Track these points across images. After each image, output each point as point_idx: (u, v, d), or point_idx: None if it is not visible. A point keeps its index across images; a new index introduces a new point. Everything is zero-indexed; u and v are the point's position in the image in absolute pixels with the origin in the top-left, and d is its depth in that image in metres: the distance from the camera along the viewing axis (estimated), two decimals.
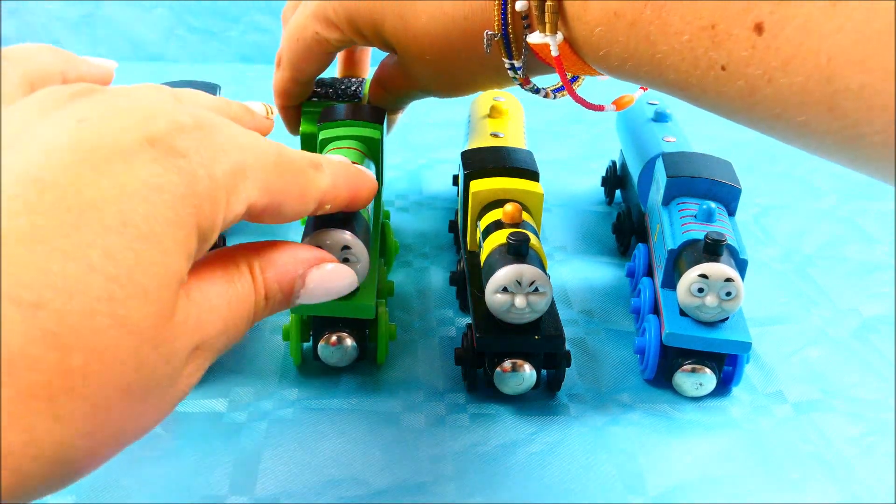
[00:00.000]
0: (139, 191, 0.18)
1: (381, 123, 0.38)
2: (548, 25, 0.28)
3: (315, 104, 0.41)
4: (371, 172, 0.29)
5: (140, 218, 0.18)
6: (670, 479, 0.30)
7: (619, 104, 0.34)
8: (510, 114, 0.45)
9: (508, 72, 0.32)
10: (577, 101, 0.31)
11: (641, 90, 0.35)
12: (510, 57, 0.31)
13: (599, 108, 0.33)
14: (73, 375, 0.17)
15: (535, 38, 0.29)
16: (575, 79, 0.34)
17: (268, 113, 0.34)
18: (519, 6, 0.29)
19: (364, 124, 0.38)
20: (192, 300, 0.20)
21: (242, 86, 0.68)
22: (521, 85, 0.33)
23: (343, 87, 0.42)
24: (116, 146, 0.19)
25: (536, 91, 0.33)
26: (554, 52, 0.28)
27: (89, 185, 0.18)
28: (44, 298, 0.16)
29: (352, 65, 0.45)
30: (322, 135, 0.38)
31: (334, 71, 0.46)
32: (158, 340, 0.19)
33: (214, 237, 0.21)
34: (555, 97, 0.34)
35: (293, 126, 0.42)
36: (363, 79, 0.44)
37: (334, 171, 0.26)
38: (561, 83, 0.31)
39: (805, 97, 0.21)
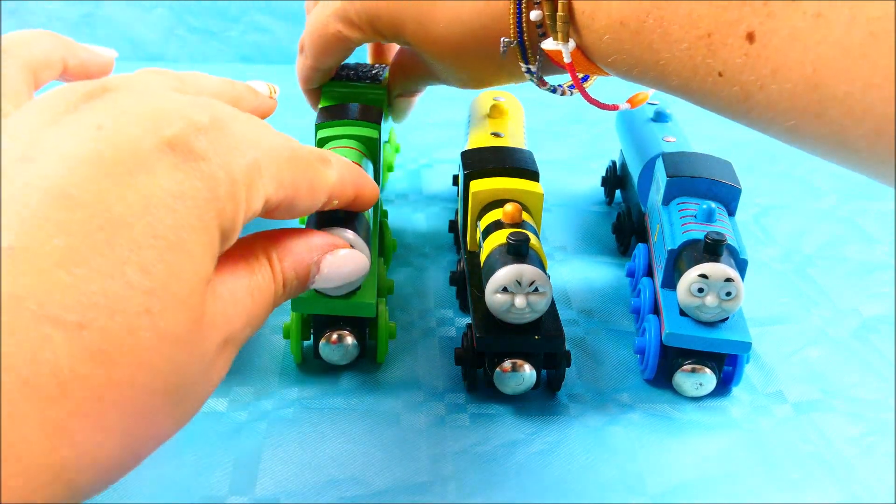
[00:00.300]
0: (164, 201, 0.19)
1: (379, 123, 0.38)
2: (559, 34, 0.29)
3: (337, 84, 0.42)
4: (371, 177, 0.30)
5: (168, 229, 0.19)
6: (670, 479, 0.30)
7: (633, 102, 0.35)
8: (510, 114, 0.45)
9: (525, 75, 0.33)
10: (591, 102, 0.32)
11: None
12: (526, 62, 0.32)
13: (614, 107, 0.34)
14: (120, 388, 0.17)
15: (548, 44, 0.30)
16: (586, 78, 0.34)
17: (271, 93, 0.34)
18: (533, 16, 0.30)
19: (362, 124, 0.38)
20: (219, 297, 0.21)
21: None
22: (539, 86, 0.34)
23: (365, 70, 0.43)
24: (137, 155, 0.19)
25: (553, 90, 0.34)
26: (566, 59, 0.29)
27: (117, 200, 0.18)
28: (87, 318, 0.17)
29: (381, 54, 0.47)
30: (320, 134, 0.38)
31: (357, 58, 0.46)
32: (192, 343, 0.19)
33: (236, 235, 0.21)
34: (571, 94, 0.35)
35: (316, 104, 0.43)
36: (385, 65, 0.45)
37: (341, 167, 0.27)
38: (569, 84, 0.32)
39: (794, 103, 0.22)
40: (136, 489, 0.29)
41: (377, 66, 0.44)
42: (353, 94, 0.41)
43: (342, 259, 0.26)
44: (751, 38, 0.22)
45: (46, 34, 0.33)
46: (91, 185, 0.18)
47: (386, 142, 0.48)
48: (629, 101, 0.35)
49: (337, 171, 0.26)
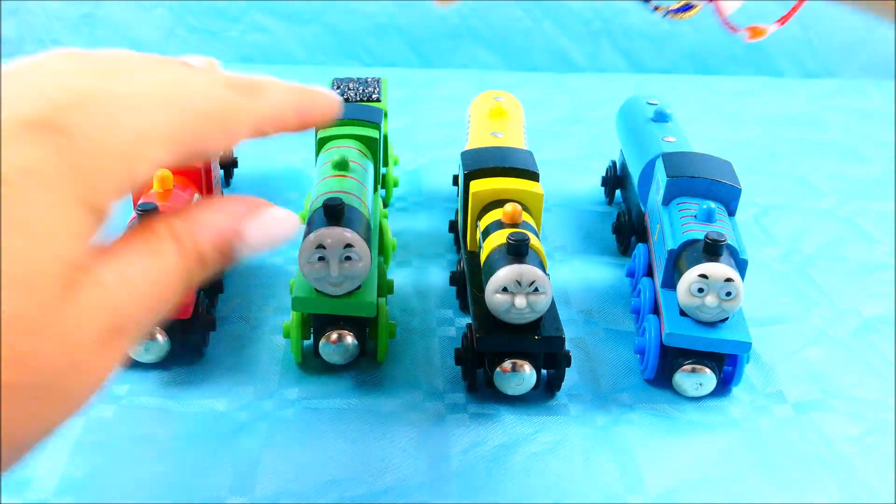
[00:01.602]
0: (12, 179, 0.18)
1: (380, 123, 0.38)
2: None
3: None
4: (332, 93, 0.28)
5: (13, 207, 0.17)
6: (670, 479, 0.30)
7: (753, 31, 0.32)
8: (510, 114, 0.45)
9: None
10: (723, 23, 0.29)
11: (776, 24, 0.33)
12: None
13: (739, 30, 0.31)
14: None
15: None
16: (689, 7, 0.31)
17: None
18: None
19: (362, 124, 0.38)
20: (101, 283, 0.19)
21: None
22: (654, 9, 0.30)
23: (362, 88, 0.43)
24: None
25: (654, 10, 0.30)
26: None
27: None
28: None
29: None
30: (320, 134, 0.38)
31: (355, 71, 0.46)
32: (52, 331, 0.18)
33: (110, 211, 0.20)
34: (674, 17, 0.31)
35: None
36: (379, 78, 0.44)
37: (276, 93, 0.24)
38: (679, 4, 0.28)
39: None
40: (136, 489, 0.29)
41: (371, 81, 0.43)
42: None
43: (267, 223, 0.23)
44: None
45: None
46: None
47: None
48: (748, 29, 0.32)
49: (269, 100, 0.24)
